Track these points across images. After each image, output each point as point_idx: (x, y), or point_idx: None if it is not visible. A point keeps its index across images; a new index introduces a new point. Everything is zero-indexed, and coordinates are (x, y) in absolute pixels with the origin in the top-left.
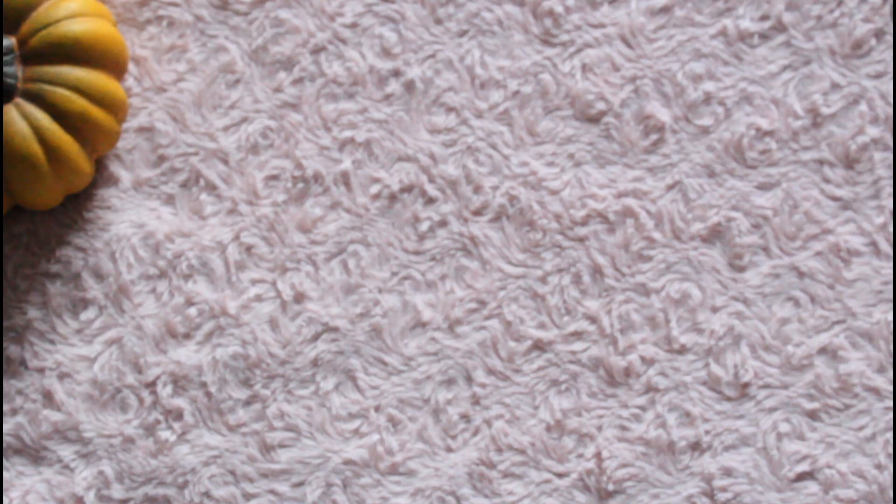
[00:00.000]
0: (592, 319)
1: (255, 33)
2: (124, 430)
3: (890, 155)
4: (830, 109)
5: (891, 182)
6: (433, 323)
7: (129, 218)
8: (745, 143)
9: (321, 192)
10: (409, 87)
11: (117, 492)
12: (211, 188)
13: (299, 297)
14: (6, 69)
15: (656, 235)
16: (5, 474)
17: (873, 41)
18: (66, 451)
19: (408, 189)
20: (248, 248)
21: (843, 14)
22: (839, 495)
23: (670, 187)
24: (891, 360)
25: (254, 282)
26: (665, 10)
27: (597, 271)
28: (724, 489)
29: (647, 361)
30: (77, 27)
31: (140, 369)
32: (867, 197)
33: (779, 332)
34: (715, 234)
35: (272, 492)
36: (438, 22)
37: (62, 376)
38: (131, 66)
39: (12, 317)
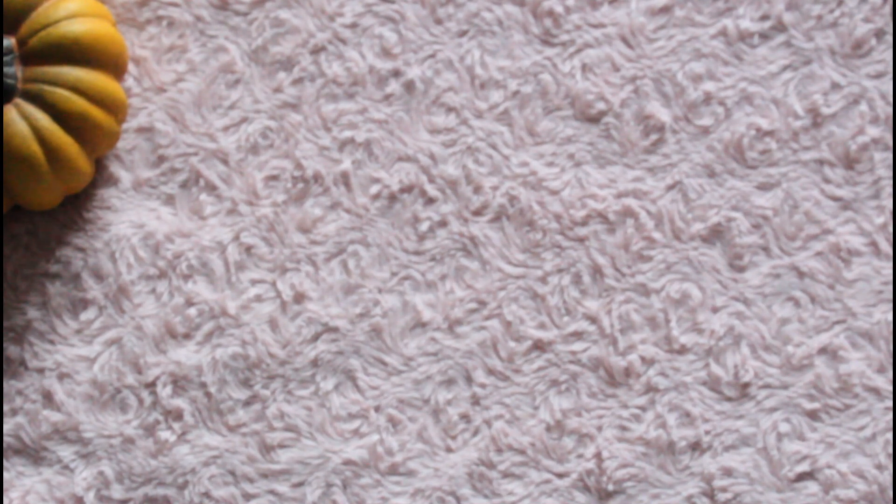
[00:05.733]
0: (592, 319)
1: (255, 33)
2: (124, 431)
3: (890, 155)
4: (830, 109)
5: (891, 182)
6: (433, 323)
7: (128, 218)
8: (745, 143)
9: (321, 193)
10: (409, 87)
11: (117, 492)
12: (211, 188)
13: (299, 298)
14: (6, 69)
15: (656, 235)
16: (5, 474)
17: (873, 41)
18: (66, 452)
19: (408, 189)
20: (248, 249)
21: (844, 14)
22: (839, 495)
23: (670, 187)
24: (891, 360)
25: (254, 282)
26: (665, 10)
27: (597, 271)
28: (724, 489)
29: (647, 361)
30: (77, 27)
31: (140, 369)
32: (867, 197)
33: (779, 332)
34: (715, 234)
35: (272, 492)
36: (438, 22)
37: (62, 377)
38: (131, 66)
39: (12, 317)
